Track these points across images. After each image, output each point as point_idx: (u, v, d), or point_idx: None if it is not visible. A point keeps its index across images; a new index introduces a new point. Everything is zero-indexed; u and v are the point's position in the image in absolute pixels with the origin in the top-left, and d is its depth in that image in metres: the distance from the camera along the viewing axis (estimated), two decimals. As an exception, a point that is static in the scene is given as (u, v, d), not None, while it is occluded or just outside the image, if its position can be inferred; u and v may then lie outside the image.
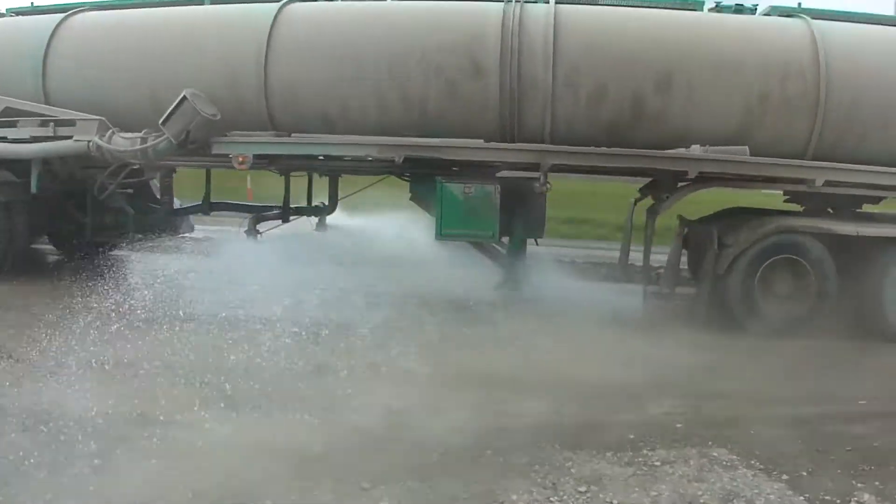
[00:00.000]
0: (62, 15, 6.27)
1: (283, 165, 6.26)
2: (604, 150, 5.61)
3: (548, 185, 5.64)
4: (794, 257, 5.78)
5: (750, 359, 5.04)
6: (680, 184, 6.02)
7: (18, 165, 6.21)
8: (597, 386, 4.14)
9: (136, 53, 5.96)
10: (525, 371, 4.40)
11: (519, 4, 5.83)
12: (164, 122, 5.38)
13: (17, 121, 5.95)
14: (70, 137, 5.77)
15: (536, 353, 4.75)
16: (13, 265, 6.37)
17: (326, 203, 7.19)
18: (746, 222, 5.97)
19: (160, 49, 5.95)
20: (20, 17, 6.97)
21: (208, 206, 7.31)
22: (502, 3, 5.86)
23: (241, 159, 5.64)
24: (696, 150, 5.68)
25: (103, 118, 5.70)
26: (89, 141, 5.65)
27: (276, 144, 5.69)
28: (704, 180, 5.82)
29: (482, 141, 5.78)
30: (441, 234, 5.89)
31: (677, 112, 5.74)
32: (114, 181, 6.34)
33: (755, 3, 6.34)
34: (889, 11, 9.75)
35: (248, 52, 5.78)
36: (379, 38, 5.74)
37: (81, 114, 5.77)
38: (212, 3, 6.35)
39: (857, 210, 6.40)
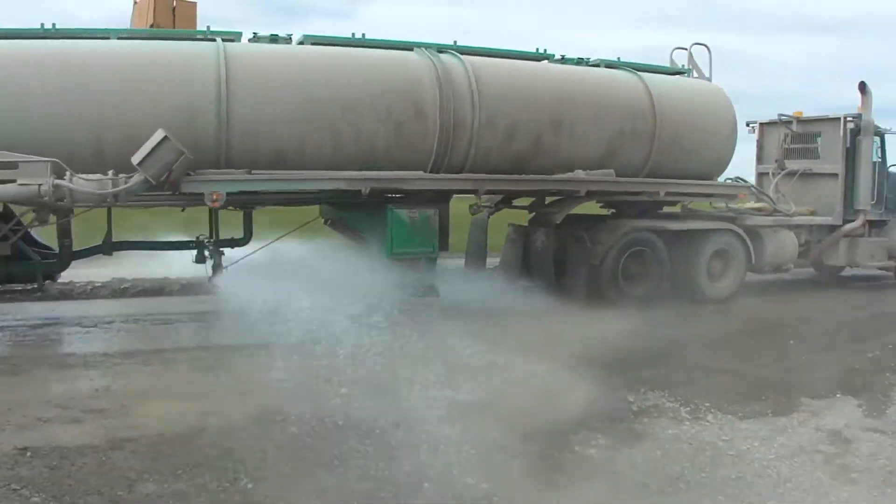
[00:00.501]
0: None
1: (251, 201, 6.55)
2: (526, 177, 7.09)
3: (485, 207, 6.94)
4: (643, 248, 7.91)
5: (624, 322, 6.91)
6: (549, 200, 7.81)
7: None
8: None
9: (75, 91, 5.77)
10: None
11: (439, 56, 6.95)
12: (140, 163, 5.44)
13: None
14: (12, 181, 5.43)
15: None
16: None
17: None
18: (606, 225, 7.96)
19: (103, 86, 5.84)
20: None
21: (110, 246, 7.08)
22: (426, 54, 6.94)
23: (214, 197, 5.90)
24: (579, 174, 7.45)
25: (56, 159, 5.48)
26: (40, 184, 5.41)
27: (251, 182, 6.05)
28: (588, 195, 7.64)
29: (422, 172, 6.83)
30: (391, 254, 6.80)
31: (565, 145, 7.43)
32: (40, 224, 6.03)
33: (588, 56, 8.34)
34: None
35: (208, 91, 6.01)
36: (334, 82, 6.41)
37: (26, 155, 5.47)
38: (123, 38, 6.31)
39: (670, 210, 8.86)
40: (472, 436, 3.82)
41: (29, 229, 6.30)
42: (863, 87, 9.29)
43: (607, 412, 4.42)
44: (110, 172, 5.58)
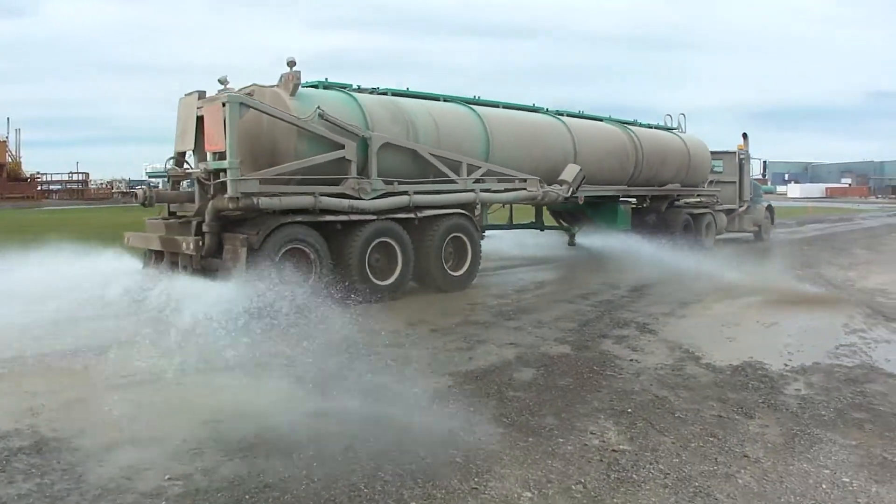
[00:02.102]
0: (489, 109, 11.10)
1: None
2: (658, 189, 14.58)
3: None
4: (690, 218, 15.84)
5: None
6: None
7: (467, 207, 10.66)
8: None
9: (528, 141, 11.45)
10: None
11: (627, 128, 13.95)
12: (568, 181, 11.43)
13: (484, 178, 10.57)
14: (520, 189, 10.99)
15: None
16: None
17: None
18: (675, 211, 15.75)
19: (534, 141, 11.62)
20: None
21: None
22: (625, 128, 13.88)
23: (581, 200, 12.08)
24: (669, 186, 15.02)
25: (539, 177, 11.17)
26: (536, 190, 11.07)
27: (593, 190, 12.36)
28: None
29: (626, 186, 13.74)
30: (619, 227, 13.61)
31: (665, 173, 14.93)
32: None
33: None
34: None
35: (568, 146, 12.12)
36: (619, 142, 13.03)
37: (525, 174, 11.04)
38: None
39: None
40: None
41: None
42: (745, 136, 18.58)
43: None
44: (555, 185, 11.43)
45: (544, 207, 13.66)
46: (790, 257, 14.54)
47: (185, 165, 8.83)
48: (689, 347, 6.55)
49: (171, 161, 8.88)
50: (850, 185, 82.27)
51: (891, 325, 7.78)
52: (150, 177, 32.29)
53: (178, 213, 8.82)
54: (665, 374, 5.68)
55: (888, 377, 5.74)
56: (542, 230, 14.72)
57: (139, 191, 8.56)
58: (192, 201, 8.37)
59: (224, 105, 7.63)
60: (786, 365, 6.00)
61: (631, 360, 6.16)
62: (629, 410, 4.79)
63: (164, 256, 8.62)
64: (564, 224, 15.52)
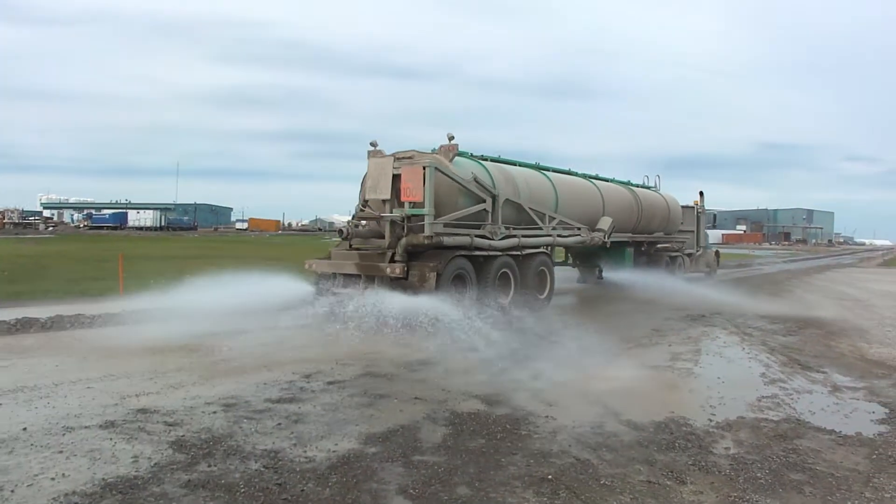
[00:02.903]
0: (555, 175, 14.63)
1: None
2: (650, 235, 18.74)
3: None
4: (663, 255, 20.03)
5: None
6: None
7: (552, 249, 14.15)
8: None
9: (578, 198, 15.12)
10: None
11: (633, 189, 18.00)
12: (605, 230, 15.17)
13: (540, 227, 14.10)
14: (577, 235, 14.59)
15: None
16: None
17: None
18: (659, 250, 19.90)
19: (581, 199, 15.30)
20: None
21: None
22: (630, 190, 17.89)
23: (608, 244, 15.84)
24: (657, 234, 19.19)
25: (586, 226, 14.81)
26: (587, 235, 14.70)
27: (618, 236, 16.14)
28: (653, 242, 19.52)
29: (631, 234, 17.70)
30: (626, 265, 17.51)
31: (653, 224, 19.09)
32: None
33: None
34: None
35: (599, 203, 15.89)
36: (628, 199, 16.96)
37: (578, 223, 14.66)
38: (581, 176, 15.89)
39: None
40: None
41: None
42: (701, 193, 23.29)
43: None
44: (596, 232, 15.12)
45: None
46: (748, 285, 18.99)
47: (367, 209, 11.71)
48: (607, 401, 6.27)
49: (359, 206, 11.79)
50: (744, 231, 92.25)
51: (808, 374, 7.99)
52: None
53: (355, 246, 11.67)
54: (584, 433, 5.39)
55: (816, 431, 5.64)
56: (574, 267, 18.71)
57: (343, 227, 11.44)
58: (383, 237, 11.28)
59: (424, 168, 10.72)
60: (710, 420, 5.86)
61: (546, 416, 5.82)
62: (550, 477, 4.45)
63: (341, 278, 11.43)
64: (577, 262, 19.26)
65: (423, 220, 10.81)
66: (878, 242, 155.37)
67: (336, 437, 5.18)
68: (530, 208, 13.15)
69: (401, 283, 10.83)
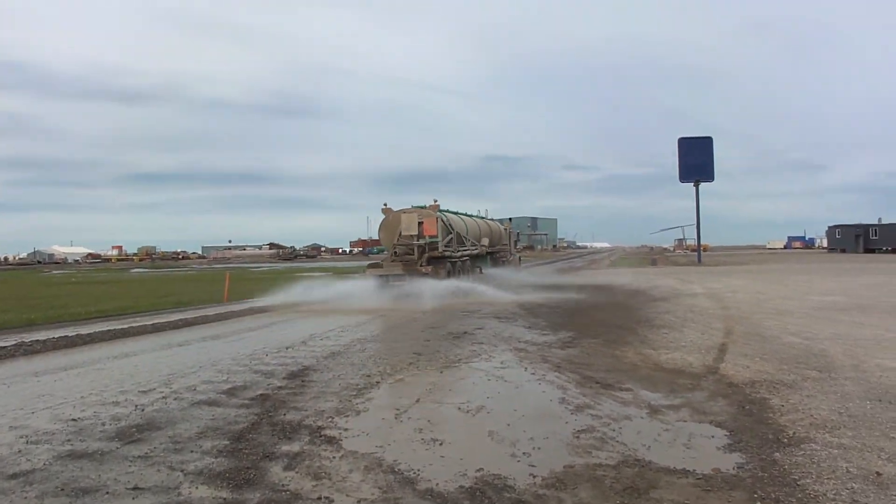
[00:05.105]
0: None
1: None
2: (493, 247, 32.50)
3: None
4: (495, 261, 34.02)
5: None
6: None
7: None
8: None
9: (477, 231, 28.03)
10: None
11: (507, 222, 31.51)
12: (483, 245, 28.23)
13: (473, 244, 26.71)
14: (476, 249, 27.43)
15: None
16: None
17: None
18: (473, 261, 33.72)
19: (477, 230, 28.26)
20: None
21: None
22: (504, 224, 31.35)
23: (485, 254, 28.93)
24: (482, 248, 33.03)
25: (478, 244, 27.71)
26: (481, 250, 27.59)
27: (488, 248, 29.32)
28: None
29: (488, 247, 31.18)
30: (487, 266, 30.96)
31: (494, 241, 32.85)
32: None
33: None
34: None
35: (485, 229, 29.00)
36: (489, 227, 30.41)
37: (477, 243, 27.47)
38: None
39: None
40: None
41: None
42: (510, 220, 37.88)
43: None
44: (482, 247, 28.08)
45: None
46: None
47: (400, 239, 22.99)
48: (392, 462, 4.87)
49: (394, 242, 23.13)
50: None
51: (613, 394, 6.89)
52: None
53: (396, 260, 22.93)
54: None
55: (668, 475, 4.52)
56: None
57: (395, 250, 22.74)
58: (411, 254, 22.71)
59: (437, 218, 22.60)
60: (533, 477, 4.55)
61: (319, 498, 4.28)
62: None
63: (389, 277, 22.64)
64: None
65: (437, 245, 22.69)
66: (598, 245, 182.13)
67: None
68: (464, 237, 25.68)
69: (428, 276, 22.56)
